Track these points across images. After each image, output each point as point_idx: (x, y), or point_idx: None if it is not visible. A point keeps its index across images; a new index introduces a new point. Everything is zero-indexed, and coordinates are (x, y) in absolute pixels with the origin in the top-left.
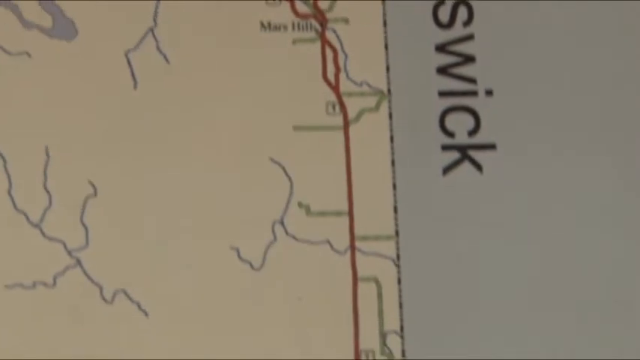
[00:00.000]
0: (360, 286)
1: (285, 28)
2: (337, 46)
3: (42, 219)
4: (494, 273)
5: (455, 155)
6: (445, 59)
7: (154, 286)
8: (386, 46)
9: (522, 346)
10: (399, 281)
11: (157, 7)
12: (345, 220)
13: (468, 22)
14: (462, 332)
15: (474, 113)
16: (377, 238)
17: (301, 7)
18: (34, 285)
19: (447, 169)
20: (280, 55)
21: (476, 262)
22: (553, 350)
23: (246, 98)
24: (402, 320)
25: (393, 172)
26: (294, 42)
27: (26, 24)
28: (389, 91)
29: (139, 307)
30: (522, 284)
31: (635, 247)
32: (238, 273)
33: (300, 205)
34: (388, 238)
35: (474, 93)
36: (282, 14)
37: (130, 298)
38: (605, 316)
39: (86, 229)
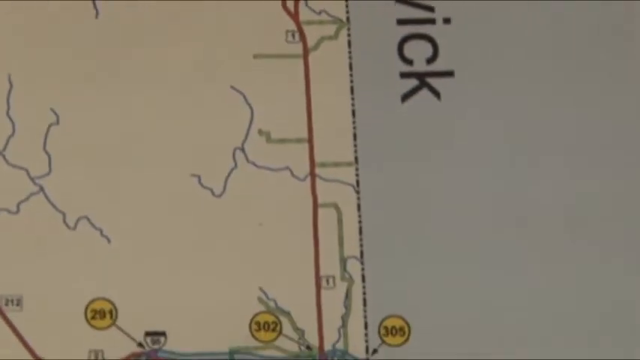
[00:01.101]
0: (320, 212)
1: None
2: None
3: (5, 147)
4: (451, 198)
5: (413, 82)
6: None
7: (116, 213)
8: None
9: (479, 270)
10: (359, 207)
11: None
12: (305, 147)
13: None
14: (421, 257)
15: (432, 41)
16: (337, 164)
17: None
18: None
19: (405, 97)
20: None
21: (434, 187)
22: (508, 273)
23: (206, 27)
24: (361, 246)
25: (352, 99)
26: None
27: None
28: (348, 19)
29: (102, 233)
30: (479, 209)
31: (590, 171)
32: (200, 200)
33: (260, 132)
34: (348, 164)
35: (432, 21)
36: None
37: (93, 225)
38: (559, 236)
39: (49, 156)
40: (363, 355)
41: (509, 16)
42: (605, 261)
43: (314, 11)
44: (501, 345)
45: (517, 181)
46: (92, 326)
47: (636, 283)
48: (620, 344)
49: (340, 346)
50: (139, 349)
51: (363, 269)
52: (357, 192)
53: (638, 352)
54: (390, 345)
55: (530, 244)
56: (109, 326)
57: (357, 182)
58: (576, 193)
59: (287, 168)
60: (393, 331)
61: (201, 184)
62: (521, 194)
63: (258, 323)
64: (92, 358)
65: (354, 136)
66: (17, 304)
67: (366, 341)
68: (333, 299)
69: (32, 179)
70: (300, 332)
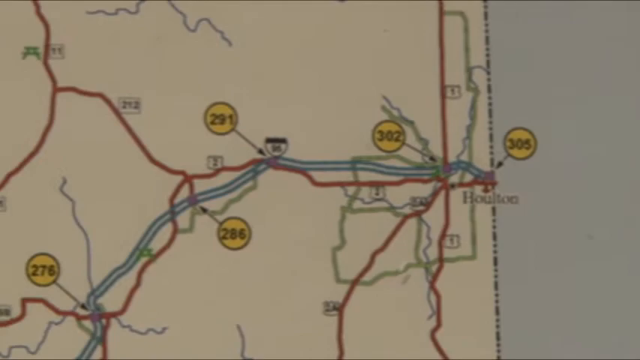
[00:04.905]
0: (446, 20)
1: None
2: None
3: None
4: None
5: None
6: None
7: (238, 15)
8: None
9: (611, 87)
10: (486, 16)
11: None
12: None
13: None
14: (550, 68)
15: None
16: None
17: None
18: (117, 12)
19: None
20: None
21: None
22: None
23: None
24: (488, 55)
25: None
26: None
27: None
28: None
29: (223, 36)
30: (609, 18)
31: None
32: (323, 5)
33: None
34: None
35: None
36: None
37: (214, 27)
38: None
39: None
40: (487, 168)
41: None
42: None
43: None
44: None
45: None
46: (211, 131)
47: None
48: None
49: (464, 157)
50: (259, 156)
51: (489, 79)
52: (485, 0)
53: None
54: (515, 158)
55: None
56: (228, 132)
57: None
58: None
59: None
60: (519, 144)
61: None
62: None
63: (381, 132)
64: (211, 164)
65: None
66: (135, 107)
67: (491, 153)
68: (458, 109)
69: None
70: (424, 142)
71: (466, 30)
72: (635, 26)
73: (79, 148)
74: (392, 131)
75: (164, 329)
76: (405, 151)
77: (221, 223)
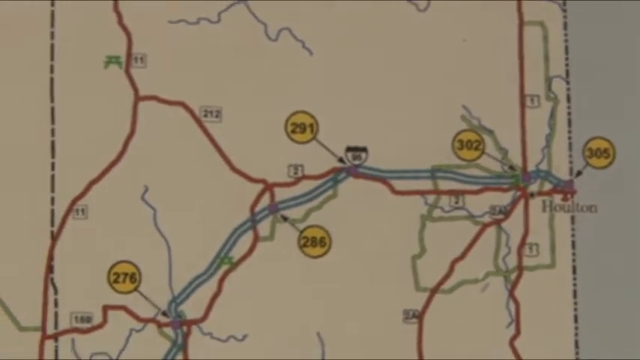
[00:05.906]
0: (526, 29)
1: None
2: None
3: None
4: None
5: None
6: None
7: (319, 25)
8: None
9: None
10: (565, 26)
11: None
12: None
13: None
14: (629, 77)
15: None
16: None
17: None
18: (198, 21)
19: None
20: None
21: None
22: None
23: None
24: (567, 65)
25: None
26: None
27: None
28: None
29: (304, 45)
30: None
31: None
32: (403, 14)
33: None
34: None
35: None
36: None
37: (295, 37)
38: None
39: None
40: (566, 177)
41: None
42: None
43: None
44: None
45: None
46: (292, 140)
47: None
48: None
49: (544, 166)
50: (339, 165)
51: (568, 89)
52: (564, 10)
53: None
54: (594, 167)
55: None
56: (309, 140)
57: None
58: None
59: None
60: (598, 153)
61: None
62: None
63: (461, 141)
64: (292, 173)
65: None
66: (216, 116)
67: (570, 162)
68: (537, 119)
69: None
70: (504, 152)
71: (546, 39)
72: None
73: (161, 156)
74: (472, 140)
75: (245, 336)
76: (484, 160)
77: (301, 232)
